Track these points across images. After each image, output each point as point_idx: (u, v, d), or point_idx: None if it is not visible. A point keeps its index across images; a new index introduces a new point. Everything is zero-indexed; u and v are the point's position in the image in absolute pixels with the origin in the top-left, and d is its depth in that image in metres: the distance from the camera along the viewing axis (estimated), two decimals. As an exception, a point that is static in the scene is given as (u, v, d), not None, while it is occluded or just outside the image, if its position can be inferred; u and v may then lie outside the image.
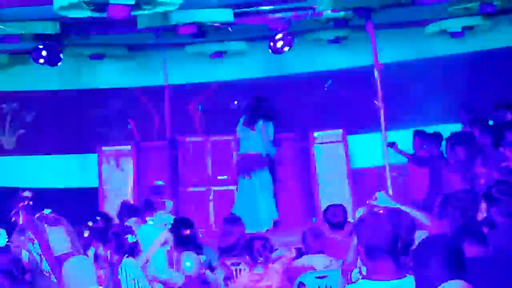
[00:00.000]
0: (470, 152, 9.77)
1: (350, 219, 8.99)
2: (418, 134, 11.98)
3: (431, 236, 4.14)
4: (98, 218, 8.42)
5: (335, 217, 8.56)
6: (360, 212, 5.05)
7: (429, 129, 11.87)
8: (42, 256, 7.05)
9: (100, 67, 13.90)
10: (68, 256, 6.75)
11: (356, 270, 5.21)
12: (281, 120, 12.96)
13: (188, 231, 7.35)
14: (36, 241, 7.12)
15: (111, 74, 14.08)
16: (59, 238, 7.22)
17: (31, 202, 7.51)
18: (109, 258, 6.90)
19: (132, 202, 11.34)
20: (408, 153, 12.14)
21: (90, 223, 7.40)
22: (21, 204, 7.49)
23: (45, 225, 7.22)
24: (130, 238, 6.75)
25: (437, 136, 11.42)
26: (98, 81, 14.07)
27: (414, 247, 4.78)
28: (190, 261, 6.98)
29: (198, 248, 7.41)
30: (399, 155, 12.13)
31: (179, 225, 7.47)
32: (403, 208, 4.92)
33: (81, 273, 5.95)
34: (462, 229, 4.89)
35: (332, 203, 9.25)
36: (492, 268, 4.85)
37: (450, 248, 3.84)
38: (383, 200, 4.97)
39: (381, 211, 4.63)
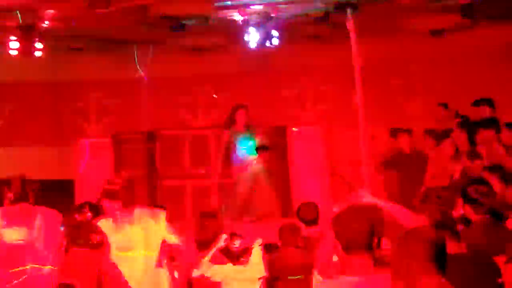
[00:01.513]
0: (450, 149, 9.86)
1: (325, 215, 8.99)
2: (391, 133, 12.00)
3: (413, 228, 4.14)
4: (85, 209, 8.32)
5: (308, 214, 8.58)
6: (337, 208, 5.05)
7: (408, 126, 11.91)
8: None
9: (79, 59, 13.84)
10: (21, 248, 6.82)
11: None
12: (259, 114, 12.97)
13: None
14: None
15: (90, 66, 14.03)
16: (14, 231, 7.22)
17: (10, 194, 7.47)
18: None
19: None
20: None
21: (77, 215, 7.32)
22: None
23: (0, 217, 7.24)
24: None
25: (406, 132, 11.44)
26: (77, 73, 14.00)
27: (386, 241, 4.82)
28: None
29: None
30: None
31: None
32: (383, 204, 4.93)
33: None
34: (440, 225, 4.92)
35: (303, 202, 9.27)
36: (465, 265, 4.89)
37: (432, 241, 3.85)
38: (364, 196, 4.98)
39: (357, 207, 4.63)
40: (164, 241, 6.90)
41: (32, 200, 7.49)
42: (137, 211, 7.06)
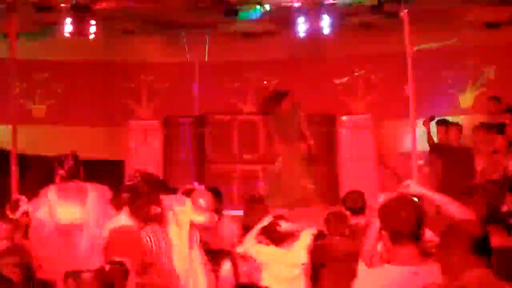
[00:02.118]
0: (502, 143, 9.76)
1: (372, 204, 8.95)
2: (440, 123, 11.85)
3: (455, 221, 4.11)
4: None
5: (355, 203, 8.55)
6: (383, 197, 5.03)
7: (458, 119, 11.80)
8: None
9: (131, 42, 13.94)
10: (75, 226, 6.89)
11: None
12: (309, 102, 12.94)
13: None
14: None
15: (142, 48, 14.12)
16: (67, 209, 7.30)
17: (62, 171, 7.54)
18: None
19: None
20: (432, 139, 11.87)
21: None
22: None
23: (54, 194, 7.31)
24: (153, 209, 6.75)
25: (457, 126, 11.31)
26: (129, 55, 14.11)
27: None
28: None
29: None
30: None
31: None
32: (432, 195, 4.88)
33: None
34: (488, 218, 4.88)
35: (350, 190, 9.24)
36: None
37: (473, 234, 3.82)
38: (413, 187, 4.94)
39: (405, 196, 4.60)
40: (192, 223, 6.96)
41: (82, 177, 7.58)
42: (162, 199, 7.14)
